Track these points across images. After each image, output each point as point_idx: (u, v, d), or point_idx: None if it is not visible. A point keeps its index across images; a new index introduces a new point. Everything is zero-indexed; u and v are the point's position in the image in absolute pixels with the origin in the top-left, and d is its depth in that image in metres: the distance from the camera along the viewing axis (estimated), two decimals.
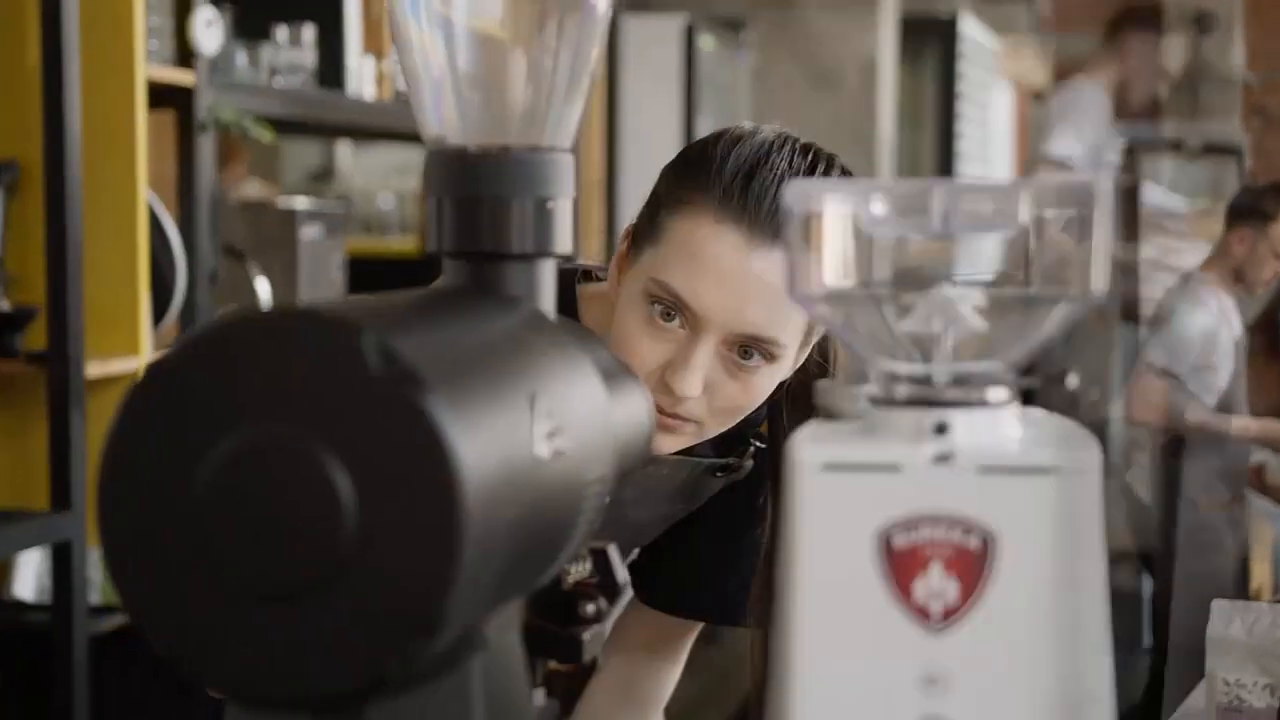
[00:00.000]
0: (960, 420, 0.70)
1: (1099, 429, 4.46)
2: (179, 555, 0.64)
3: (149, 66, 2.66)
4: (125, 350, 2.61)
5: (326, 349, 0.63)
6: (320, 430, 0.62)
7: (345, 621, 0.62)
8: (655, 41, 5.34)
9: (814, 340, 1.37)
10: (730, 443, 1.46)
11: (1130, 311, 4.78)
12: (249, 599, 0.63)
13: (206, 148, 2.83)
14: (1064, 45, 10.33)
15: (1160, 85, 4.62)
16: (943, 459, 0.69)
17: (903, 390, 0.72)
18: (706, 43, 5.49)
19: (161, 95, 2.76)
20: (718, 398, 1.31)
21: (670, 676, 1.58)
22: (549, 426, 0.71)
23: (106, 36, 2.59)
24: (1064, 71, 10.16)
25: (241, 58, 3.09)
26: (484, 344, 0.71)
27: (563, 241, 0.83)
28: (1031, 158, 4.59)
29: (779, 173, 1.29)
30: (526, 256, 0.81)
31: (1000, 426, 0.71)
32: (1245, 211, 4.43)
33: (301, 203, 3.39)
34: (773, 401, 1.40)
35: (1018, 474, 0.69)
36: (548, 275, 0.83)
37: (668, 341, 1.30)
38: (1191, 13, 8.40)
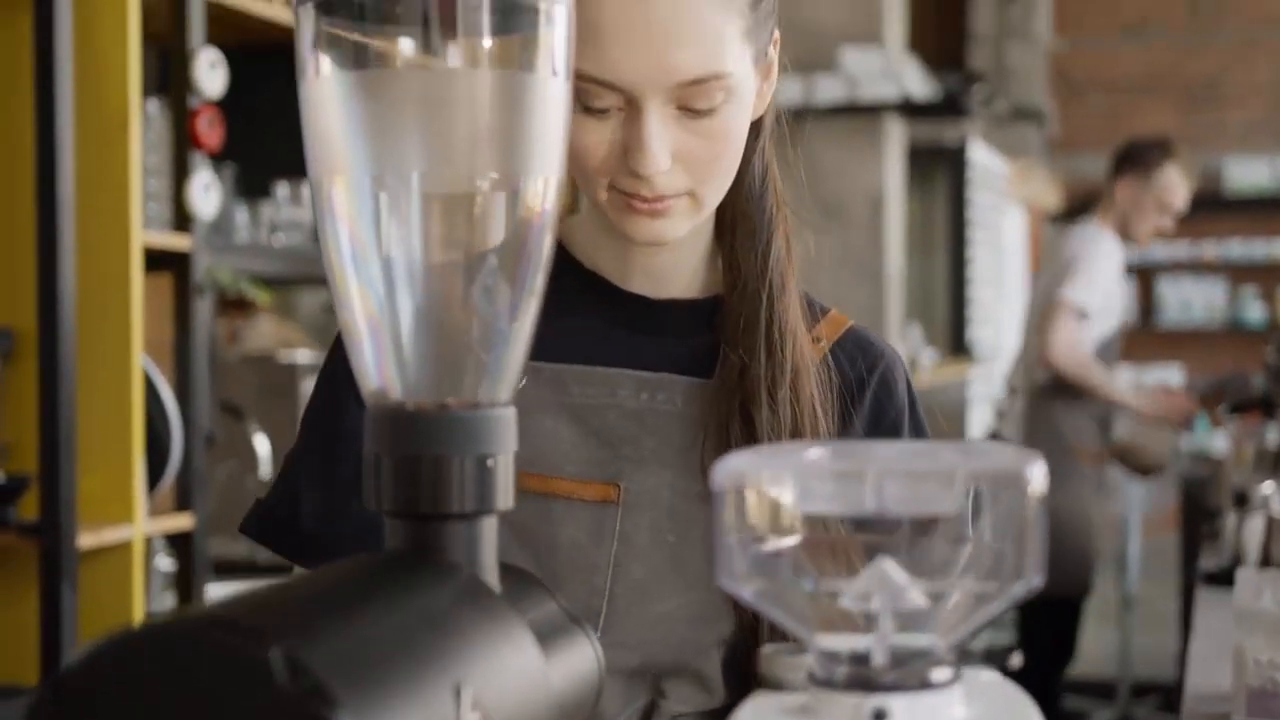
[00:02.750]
0: (900, 706, 0.68)
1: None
2: None
3: (146, 232, 2.67)
4: (119, 519, 2.59)
5: (233, 661, 0.61)
6: None
7: None
8: None
9: (772, 56, 1.26)
10: None
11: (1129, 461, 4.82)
12: None
13: (204, 310, 2.83)
14: (1074, 166, 10.40)
15: (1163, 219, 4.65)
16: None
17: (841, 671, 0.70)
18: None
19: (159, 258, 2.77)
20: (693, 161, 1.19)
21: None
22: (477, 717, 0.69)
23: (103, 202, 2.60)
24: (1074, 193, 10.24)
25: (242, 215, 3.10)
26: (408, 633, 0.69)
27: (505, 498, 0.81)
28: (1045, 299, 4.56)
29: None
30: (466, 516, 0.80)
31: (943, 710, 0.69)
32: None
33: (304, 356, 3.40)
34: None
35: None
36: (489, 533, 0.81)
37: (610, 128, 1.17)
38: None
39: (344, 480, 1.25)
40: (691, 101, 1.17)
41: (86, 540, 2.50)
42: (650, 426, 1.28)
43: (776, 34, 1.26)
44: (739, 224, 1.32)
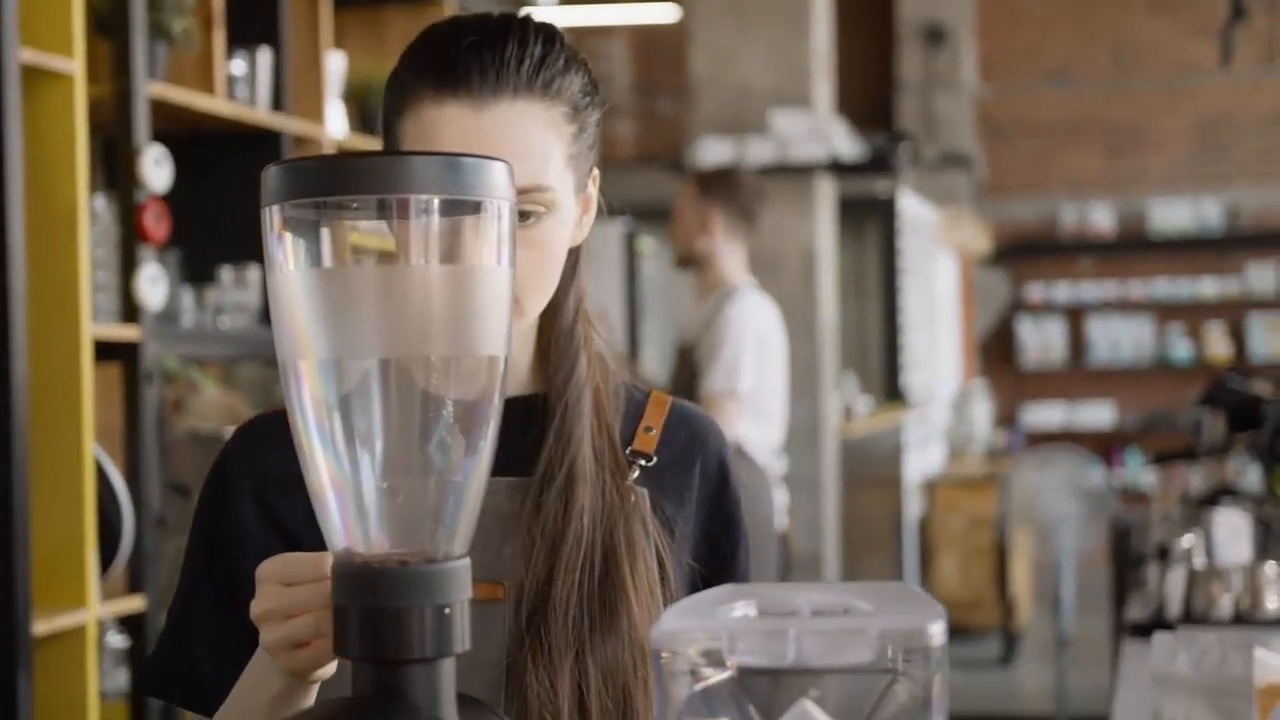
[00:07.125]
0: None
1: None
2: None
3: (95, 324, 2.74)
4: (73, 604, 2.65)
5: None
6: None
7: None
8: (597, 246, 5.45)
9: (592, 191, 1.34)
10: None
11: None
12: None
13: (152, 397, 2.90)
14: (1003, 209, 10.59)
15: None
16: None
17: None
18: (646, 244, 5.62)
19: (108, 348, 2.83)
20: (517, 267, 1.23)
21: None
22: None
23: (54, 296, 2.66)
24: (1003, 235, 10.42)
25: (188, 299, 3.17)
26: None
27: (462, 640, 0.90)
28: None
29: (479, 28, 1.27)
30: (427, 660, 0.89)
31: None
32: None
33: None
34: None
35: None
36: (448, 674, 0.90)
37: None
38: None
39: (238, 624, 1.25)
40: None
41: (41, 627, 2.56)
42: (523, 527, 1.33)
43: (597, 172, 1.36)
44: (551, 350, 1.37)
